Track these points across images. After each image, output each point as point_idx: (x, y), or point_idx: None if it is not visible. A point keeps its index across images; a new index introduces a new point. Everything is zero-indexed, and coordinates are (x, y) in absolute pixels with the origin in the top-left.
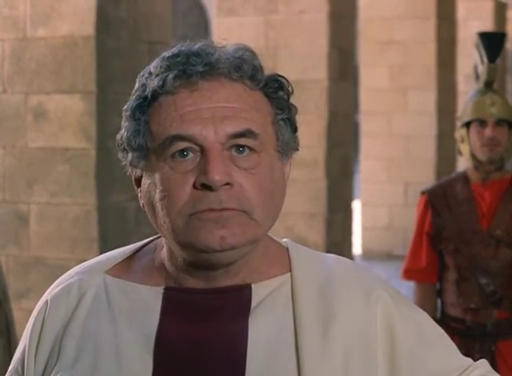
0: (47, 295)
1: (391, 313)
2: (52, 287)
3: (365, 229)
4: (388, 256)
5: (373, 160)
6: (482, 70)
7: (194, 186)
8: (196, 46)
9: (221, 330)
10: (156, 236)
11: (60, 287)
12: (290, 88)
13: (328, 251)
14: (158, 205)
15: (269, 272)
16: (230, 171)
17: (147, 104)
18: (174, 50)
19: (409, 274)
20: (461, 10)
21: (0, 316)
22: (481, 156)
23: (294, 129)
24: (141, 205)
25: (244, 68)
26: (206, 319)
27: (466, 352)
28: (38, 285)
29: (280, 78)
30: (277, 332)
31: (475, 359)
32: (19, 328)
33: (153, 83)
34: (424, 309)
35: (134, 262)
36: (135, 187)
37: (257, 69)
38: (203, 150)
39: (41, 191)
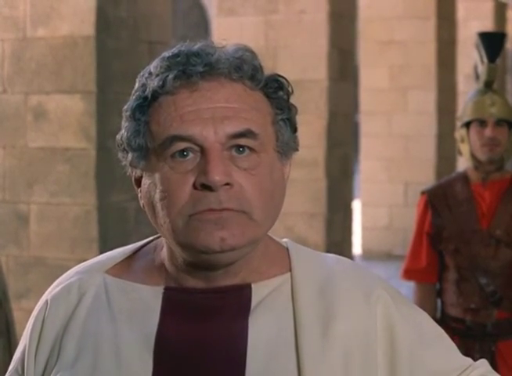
0: (47, 295)
1: (391, 313)
2: (52, 286)
3: (365, 229)
4: (388, 256)
5: (373, 160)
6: (482, 70)
7: (194, 186)
8: (196, 46)
9: (221, 330)
10: (156, 236)
11: (60, 287)
12: (289, 89)
13: (328, 251)
14: (158, 205)
15: (269, 272)
16: (230, 172)
17: (147, 104)
18: (174, 50)
19: (409, 274)
20: (461, 10)
21: (0, 316)
22: (481, 156)
23: (294, 129)
24: (141, 205)
25: (244, 68)
26: (206, 319)
27: (466, 352)
28: (38, 285)
29: (280, 78)
30: (277, 332)
31: (475, 359)
32: (19, 328)
33: (153, 83)
34: (424, 309)
35: (134, 261)
36: (135, 187)
37: (257, 69)
38: (203, 150)
39: (41, 191)
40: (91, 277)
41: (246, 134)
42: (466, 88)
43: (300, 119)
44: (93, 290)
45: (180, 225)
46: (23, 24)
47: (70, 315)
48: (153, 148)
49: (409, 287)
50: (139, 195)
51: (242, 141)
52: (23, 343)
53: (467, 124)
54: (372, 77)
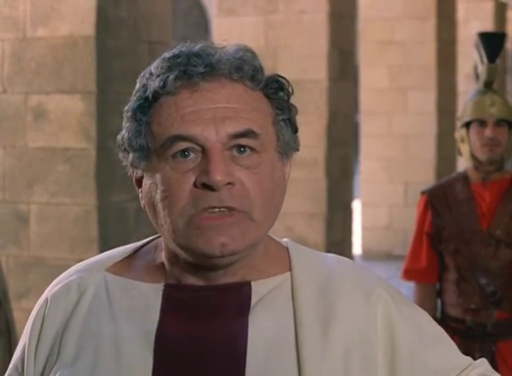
0: (47, 293)
1: (391, 313)
2: (51, 285)
3: (365, 229)
4: (388, 256)
5: (373, 160)
6: (482, 70)
7: (195, 185)
8: (197, 47)
9: (221, 328)
10: (156, 236)
11: (60, 285)
12: (290, 89)
13: (328, 251)
14: (159, 205)
15: (269, 270)
16: (231, 171)
17: (148, 105)
18: (175, 51)
19: (409, 274)
20: (461, 10)
21: (0, 316)
22: (481, 156)
23: (295, 130)
24: (142, 206)
25: (245, 69)
26: (206, 317)
27: (467, 352)
28: (38, 285)
29: (280, 79)
30: (277, 330)
31: (475, 359)
32: (19, 328)
33: (154, 84)
34: (424, 309)
35: (134, 260)
36: (136, 188)
37: (257, 69)
38: (204, 150)
39: (41, 191)
40: (91, 276)
41: (248, 134)
42: (466, 88)
43: (300, 119)
44: (93, 288)
45: (181, 226)
46: (23, 24)
47: (70, 313)
48: (154, 148)
49: (409, 288)
50: (140, 195)
51: (243, 141)
52: (22, 341)
53: (467, 125)
54: (372, 77)
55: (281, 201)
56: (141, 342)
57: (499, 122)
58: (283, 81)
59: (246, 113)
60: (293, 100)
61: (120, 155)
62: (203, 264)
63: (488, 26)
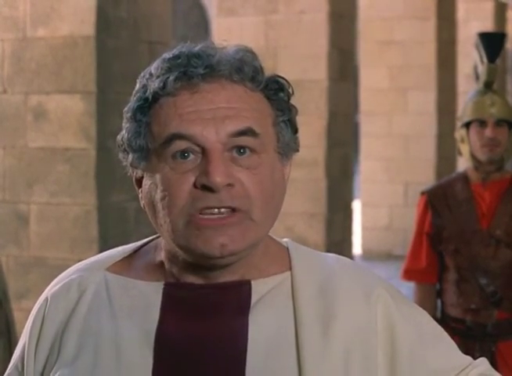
0: (47, 292)
1: (392, 312)
2: (51, 284)
3: (365, 229)
4: (388, 256)
5: (373, 160)
6: (482, 70)
7: (194, 186)
8: (197, 48)
9: (221, 327)
10: (156, 236)
11: (60, 285)
12: (290, 90)
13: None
14: (159, 205)
15: (269, 269)
16: (231, 171)
17: (148, 106)
18: (175, 51)
19: (409, 274)
20: (461, 10)
21: (0, 316)
22: (481, 156)
23: (295, 130)
24: (142, 206)
25: (245, 70)
26: (206, 315)
27: (467, 352)
28: (38, 285)
29: (280, 79)
30: (277, 329)
31: (475, 359)
32: (19, 328)
33: (154, 84)
34: (424, 310)
35: (134, 260)
36: (136, 188)
37: (257, 70)
38: (204, 151)
39: (41, 191)
40: (91, 275)
41: (248, 132)
42: (466, 88)
43: (300, 119)
44: (93, 287)
45: (180, 226)
46: (23, 24)
47: (70, 312)
48: (153, 149)
49: (409, 288)
50: (140, 195)
51: (243, 140)
52: (22, 340)
53: (467, 125)
54: (372, 77)
55: (281, 201)
56: (141, 341)
57: (499, 122)
58: (283, 81)
59: (246, 112)
60: (293, 100)
61: (120, 155)
62: (202, 264)
63: (488, 26)
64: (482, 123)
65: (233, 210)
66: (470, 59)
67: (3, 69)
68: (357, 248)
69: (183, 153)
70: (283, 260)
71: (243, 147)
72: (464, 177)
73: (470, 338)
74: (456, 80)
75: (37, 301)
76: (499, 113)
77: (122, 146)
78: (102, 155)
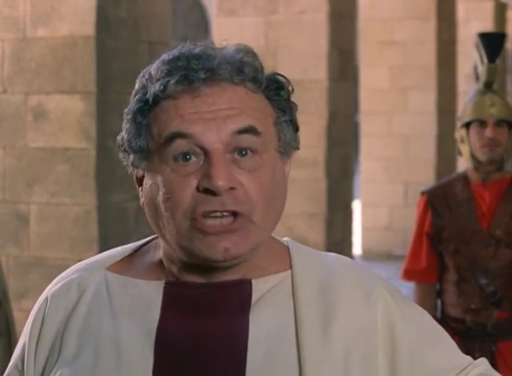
0: (47, 292)
1: (392, 312)
2: (51, 284)
3: (365, 229)
4: (388, 256)
5: (373, 160)
6: (482, 70)
7: (197, 189)
8: (197, 49)
9: (221, 325)
10: (156, 235)
11: (60, 284)
12: (290, 87)
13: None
14: (161, 206)
15: (270, 268)
16: (233, 174)
17: (148, 108)
18: (175, 52)
19: (409, 275)
20: (461, 11)
21: (0, 317)
22: (481, 156)
23: (296, 129)
24: (141, 204)
25: (245, 71)
26: (206, 314)
27: (467, 352)
28: (38, 285)
29: (280, 78)
30: (277, 328)
31: (475, 359)
32: (19, 328)
33: (154, 87)
34: (424, 310)
35: (135, 259)
36: (137, 186)
37: (258, 70)
38: (206, 154)
39: (41, 191)
40: (91, 275)
41: (250, 130)
42: (466, 88)
43: (300, 119)
44: (93, 287)
45: (184, 228)
46: (23, 24)
47: (71, 312)
48: (154, 149)
49: (409, 288)
50: (140, 194)
51: (245, 139)
52: (22, 340)
53: (467, 125)
54: (372, 78)
55: (283, 202)
56: (142, 340)
57: (499, 122)
58: (282, 79)
59: (248, 112)
60: (293, 100)
61: (121, 155)
62: (204, 265)
63: (488, 26)
64: (482, 123)
65: (235, 214)
66: (470, 59)
67: (3, 69)
68: (357, 248)
69: (185, 156)
70: (284, 259)
71: (245, 149)
72: (464, 177)
73: (470, 338)
74: (456, 80)
75: (37, 301)
76: (499, 114)
77: (122, 146)
78: (102, 155)
